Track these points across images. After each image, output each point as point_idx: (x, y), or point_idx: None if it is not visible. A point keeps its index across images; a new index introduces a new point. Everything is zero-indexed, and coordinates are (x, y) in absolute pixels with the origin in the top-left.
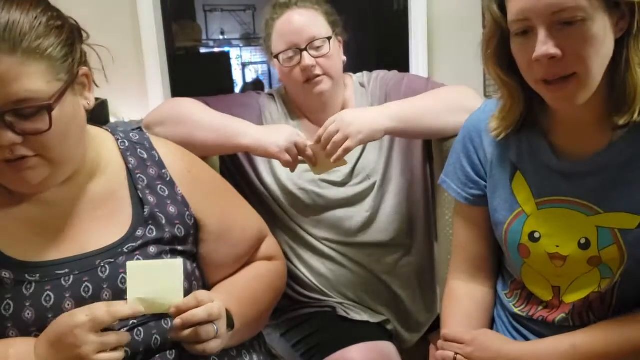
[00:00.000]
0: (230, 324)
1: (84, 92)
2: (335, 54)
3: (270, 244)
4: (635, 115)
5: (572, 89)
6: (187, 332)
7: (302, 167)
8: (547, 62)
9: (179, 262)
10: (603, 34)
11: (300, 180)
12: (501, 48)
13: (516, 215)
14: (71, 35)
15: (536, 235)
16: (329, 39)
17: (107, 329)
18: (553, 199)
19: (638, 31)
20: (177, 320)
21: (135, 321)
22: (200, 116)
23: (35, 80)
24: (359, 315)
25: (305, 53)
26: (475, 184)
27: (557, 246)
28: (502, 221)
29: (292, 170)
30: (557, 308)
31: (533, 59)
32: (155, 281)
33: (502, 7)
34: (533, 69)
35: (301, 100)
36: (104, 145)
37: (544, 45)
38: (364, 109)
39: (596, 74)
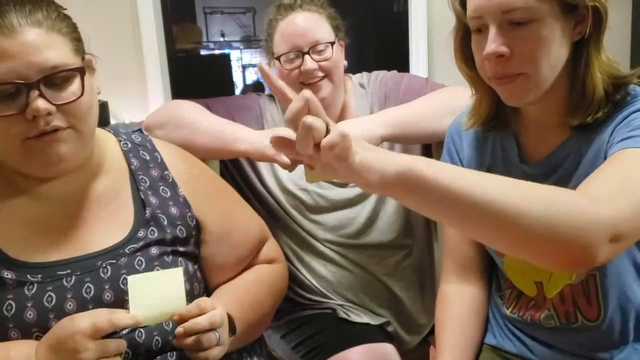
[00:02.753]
0: (232, 329)
1: (93, 77)
2: (338, 58)
3: (271, 247)
4: (589, 118)
5: (519, 86)
6: (189, 340)
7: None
8: (495, 60)
9: (179, 270)
10: (555, 37)
11: (302, 180)
12: (466, 44)
13: None
14: (75, 25)
15: None
16: (332, 43)
17: (108, 335)
18: None
19: (597, 34)
20: (180, 329)
21: None
22: (198, 120)
23: (62, 50)
24: (360, 317)
25: (307, 57)
26: None
27: None
28: None
29: (291, 171)
30: (542, 305)
31: (483, 56)
32: (156, 292)
33: (464, 4)
34: (485, 66)
35: None
36: (107, 146)
37: (493, 43)
38: (359, 119)
39: (546, 74)
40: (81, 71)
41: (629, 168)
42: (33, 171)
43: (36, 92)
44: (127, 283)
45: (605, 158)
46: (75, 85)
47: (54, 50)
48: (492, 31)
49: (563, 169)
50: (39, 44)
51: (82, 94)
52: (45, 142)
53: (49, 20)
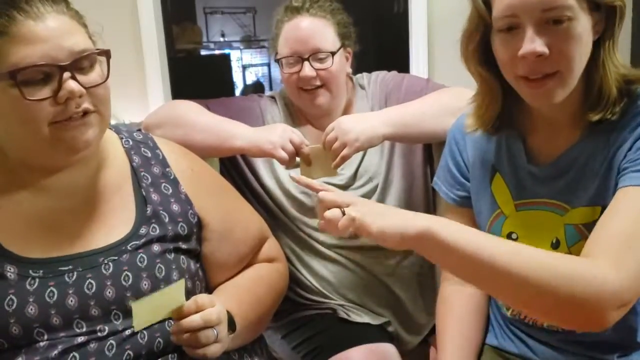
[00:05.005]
0: (232, 327)
1: None
2: (338, 68)
3: (271, 246)
4: (607, 114)
5: (553, 86)
6: (186, 336)
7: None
8: (533, 59)
9: (180, 283)
10: (585, 34)
11: None
12: (482, 44)
13: (496, 216)
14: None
15: (513, 236)
16: (333, 53)
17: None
18: (531, 201)
19: (613, 34)
20: (174, 327)
21: None
22: (195, 119)
23: (85, 36)
24: (360, 317)
25: (306, 63)
26: (461, 185)
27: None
28: (484, 222)
29: (289, 168)
30: None
31: (519, 56)
32: (159, 306)
33: (487, 2)
34: (516, 65)
35: (300, 106)
36: (110, 142)
37: (532, 43)
38: (362, 115)
39: (577, 73)
40: (107, 54)
41: (635, 216)
42: (56, 157)
43: (69, 75)
44: (128, 277)
45: (618, 173)
46: (100, 69)
47: (79, 36)
48: (530, 30)
49: (573, 172)
50: (67, 29)
51: (107, 77)
52: (73, 127)
53: (71, 10)
